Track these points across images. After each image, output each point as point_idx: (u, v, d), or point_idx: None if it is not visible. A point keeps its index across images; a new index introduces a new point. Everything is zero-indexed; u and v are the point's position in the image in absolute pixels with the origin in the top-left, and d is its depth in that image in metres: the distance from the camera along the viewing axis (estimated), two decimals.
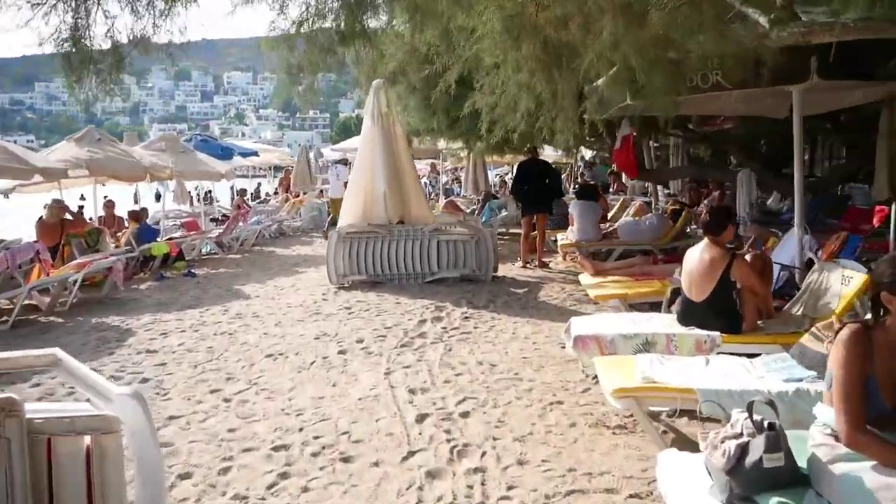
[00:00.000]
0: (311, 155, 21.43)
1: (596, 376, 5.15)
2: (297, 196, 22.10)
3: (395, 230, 9.94)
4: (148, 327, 7.64)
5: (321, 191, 23.12)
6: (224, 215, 18.11)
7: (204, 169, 13.08)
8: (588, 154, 28.83)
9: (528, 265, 11.28)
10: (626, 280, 7.42)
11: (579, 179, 27.84)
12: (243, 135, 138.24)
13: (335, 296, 9.14)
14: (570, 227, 11.59)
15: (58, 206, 11.12)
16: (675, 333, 4.90)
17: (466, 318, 7.60)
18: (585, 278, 7.86)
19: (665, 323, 5.22)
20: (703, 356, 4.48)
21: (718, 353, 4.75)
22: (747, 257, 5.37)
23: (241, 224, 15.09)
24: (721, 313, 4.91)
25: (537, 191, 11.35)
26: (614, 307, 6.91)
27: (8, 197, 12.51)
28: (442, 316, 7.70)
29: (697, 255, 5.05)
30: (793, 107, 6.00)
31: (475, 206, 17.22)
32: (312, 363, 5.99)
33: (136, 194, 21.64)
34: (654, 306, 6.82)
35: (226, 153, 17.03)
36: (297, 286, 10.10)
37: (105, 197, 17.90)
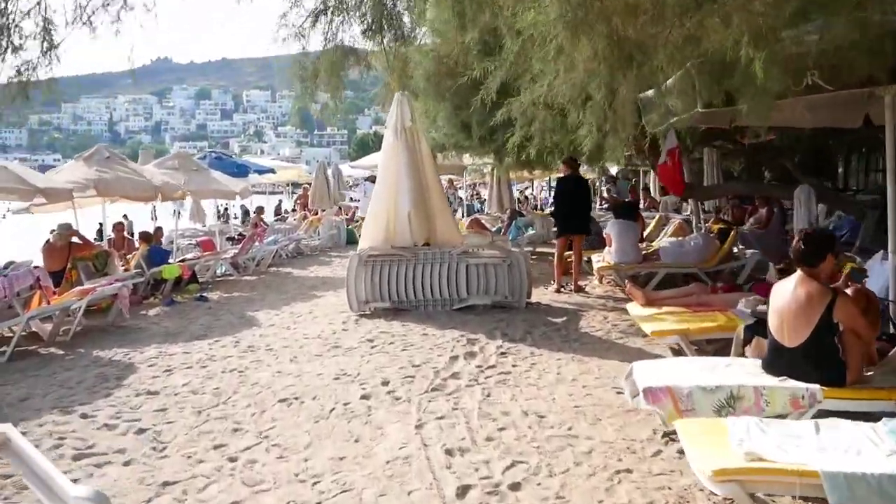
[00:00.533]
0: (330, 172, 20.78)
1: (668, 434, 4.37)
2: (316, 214, 21.49)
3: (421, 253, 9.20)
4: (152, 362, 6.93)
5: (339, 208, 22.51)
6: (241, 234, 17.48)
7: (217, 188, 12.44)
8: (614, 169, 28.05)
9: (562, 289, 10.49)
10: (682, 312, 6.60)
11: (605, 195, 27.07)
12: (262, 152, 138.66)
13: (356, 325, 8.39)
14: (606, 248, 10.80)
15: (66, 229, 10.51)
16: (764, 386, 4.09)
17: (503, 353, 6.81)
18: (635, 308, 7.06)
19: (748, 371, 4.41)
20: (809, 420, 3.68)
21: (818, 411, 3.96)
22: (848, 291, 4.55)
23: (257, 244, 14.43)
24: (820, 361, 4.10)
25: (576, 210, 10.58)
26: (662, 344, 6.11)
27: (4, 217, 11.93)
28: (475, 351, 6.92)
29: (790, 292, 4.25)
30: (887, 114, 5.20)
31: (501, 225, 16.45)
32: (332, 411, 5.23)
33: (153, 212, 21.14)
34: (720, 348, 6.05)
35: (241, 171, 16.44)
36: (314, 313, 9.37)
37: (125, 217, 17.48)
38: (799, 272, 4.28)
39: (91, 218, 11.13)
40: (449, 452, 4.30)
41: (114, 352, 7.42)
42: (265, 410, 5.31)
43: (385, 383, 5.88)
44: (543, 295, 10.02)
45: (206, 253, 12.94)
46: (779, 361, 4.26)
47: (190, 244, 17.36)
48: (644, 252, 10.75)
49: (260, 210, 21.49)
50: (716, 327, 5.95)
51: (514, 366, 6.38)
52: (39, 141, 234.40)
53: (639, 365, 4.73)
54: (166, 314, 9.69)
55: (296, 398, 5.57)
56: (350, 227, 20.79)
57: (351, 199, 22.56)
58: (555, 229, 11.47)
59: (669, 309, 6.79)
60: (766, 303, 6.47)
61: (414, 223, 9.15)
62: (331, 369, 6.40)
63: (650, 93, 5.66)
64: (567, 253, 10.87)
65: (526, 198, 33.52)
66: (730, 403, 4.05)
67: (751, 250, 10.63)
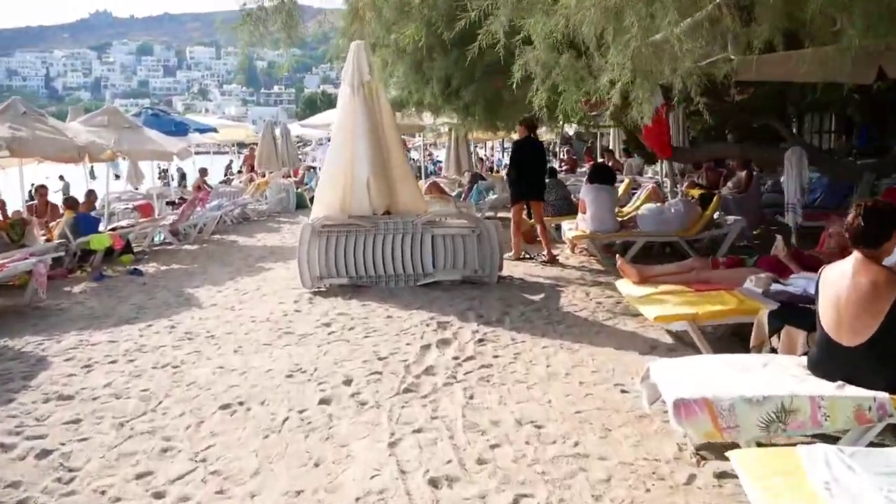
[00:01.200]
0: (278, 131, 19.51)
1: (698, 451, 3.61)
2: (263, 176, 20.26)
3: (381, 223, 8.27)
4: (69, 354, 5.89)
5: (288, 170, 21.29)
6: (182, 198, 16.21)
7: (152, 148, 11.19)
8: (571, 130, 27.32)
9: (523, 258, 9.75)
10: (683, 291, 5.83)
11: (564, 157, 26.34)
12: (207, 110, 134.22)
13: (310, 305, 7.45)
14: (580, 215, 10.03)
15: None
16: (822, 396, 3.33)
17: (481, 340, 5.97)
18: (627, 287, 6.28)
19: (792, 374, 3.65)
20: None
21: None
22: None
23: (199, 209, 13.25)
24: (889, 362, 3.36)
25: (533, 175, 9.76)
26: (657, 327, 5.35)
27: None
28: (448, 338, 6.06)
29: (848, 278, 3.47)
30: None
31: (460, 189, 15.55)
32: (285, 421, 4.32)
33: (90, 173, 19.61)
34: (726, 333, 5.34)
35: (179, 129, 15.09)
36: (262, 290, 8.38)
37: (61, 179, 16.03)
38: (856, 255, 3.51)
39: (14, 181, 9.80)
40: (434, 483, 3.45)
41: (24, 341, 6.34)
42: (203, 421, 4.37)
43: (347, 382, 4.99)
44: (515, 267, 9.20)
45: (142, 220, 11.75)
46: (833, 362, 3.51)
47: (126, 209, 16.08)
48: (621, 220, 10.02)
49: (203, 172, 20.08)
50: (728, 311, 5.19)
51: (495, 356, 5.54)
52: None
53: (657, 366, 3.93)
54: (93, 291, 8.57)
55: (241, 403, 4.64)
56: (300, 189, 19.64)
57: (313, 160, 21.15)
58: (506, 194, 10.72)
59: (667, 288, 6.02)
60: (778, 280, 5.82)
61: (373, 190, 8.19)
62: (282, 363, 5.48)
63: (657, 37, 4.78)
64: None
65: (480, 159, 32.63)
66: (780, 418, 3.29)
67: (731, 217, 9.98)
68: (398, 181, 8.52)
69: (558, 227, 11.73)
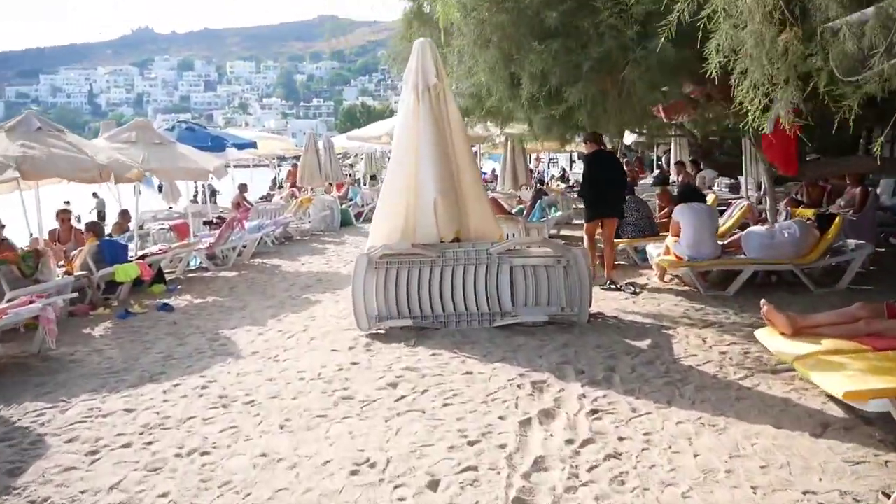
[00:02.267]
0: (321, 144, 18.41)
1: None
2: (305, 192, 19.17)
3: (450, 252, 6.98)
4: (74, 431, 4.69)
5: (331, 184, 20.19)
6: (220, 217, 15.14)
7: (185, 165, 10.07)
8: (630, 139, 25.88)
9: (607, 287, 8.46)
10: (859, 350, 4.45)
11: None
12: (247, 124, 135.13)
13: (369, 354, 6.17)
14: (669, 239, 8.64)
15: None
16: None
17: (594, 412, 4.62)
18: (776, 341, 4.91)
19: None
20: None
21: None
22: None
23: (237, 231, 12.12)
24: None
25: (610, 191, 8.88)
26: (817, 393, 3.94)
27: None
28: (551, 407, 4.72)
29: None
30: None
31: (521, 206, 14.19)
32: None
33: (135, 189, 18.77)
34: None
35: (217, 144, 14.02)
36: (311, 331, 7.14)
37: (95, 197, 15.12)
38: None
39: (37, 203, 8.73)
40: None
41: (23, 409, 5.16)
42: None
43: (433, 485, 3.68)
44: (602, 301, 7.83)
45: (176, 245, 10.63)
46: None
47: (161, 229, 15.07)
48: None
49: (242, 188, 19.07)
50: None
51: (620, 438, 4.19)
52: (17, 113, 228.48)
53: None
54: (116, 333, 7.43)
55: None
56: (344, 206, 18.50)
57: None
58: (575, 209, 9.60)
59: (835, 345, 4.62)
60: None
61: (441, 213, 6.91)
62: (343, 448, 4.19)
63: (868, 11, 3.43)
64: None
65: (529, 171, 31.26)
66: None
67: (852, 241, 8.49)
68: (470, 202, 7.23)
69: (638, 250, 10.37)
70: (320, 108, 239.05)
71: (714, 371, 5.37)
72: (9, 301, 7.18)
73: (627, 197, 10.40)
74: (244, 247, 12.18)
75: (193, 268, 11.78)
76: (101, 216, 23.39)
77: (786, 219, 9.35)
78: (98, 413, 4.99)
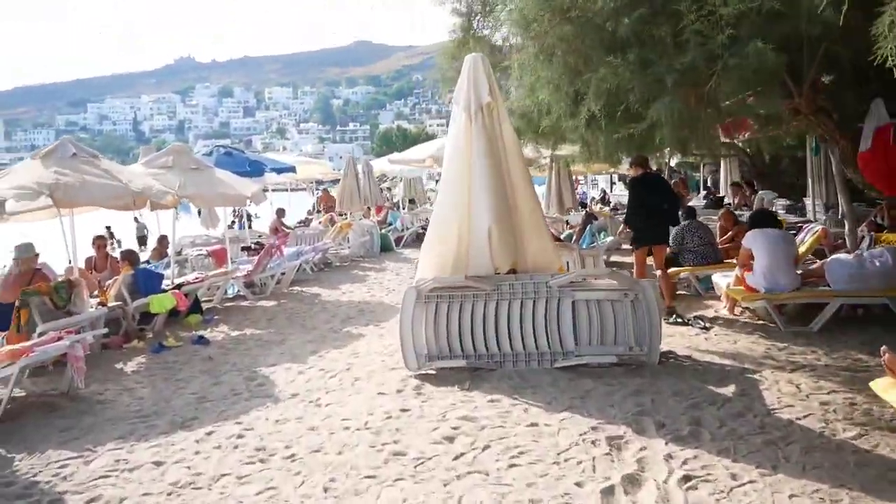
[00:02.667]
0: (360, 168, 18.02)
1: None
2: (343, 216, 18.77)
3: (506, 285, 6.39)
4: (96, 489, 4.19)
5: (369, 208, 19.77)
6: (258, 243, 14.77)
7: (223, 191, 9.66)
8: (674, 160, 25.11)
9: (675, 321, 7.80)
10: None
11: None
12: (284, 148, 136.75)
13: (420, 399, 5.59)
14: (740, 267, 7.96)
15: (26, 252, 7.86)
16: None
17: (687, 479, 3.96)
18: None
19: None
20: None
21: None
22: None
23: (276, 258, 11.68)
24: None
25: (658, 216, 8.50)
26: None
27: None
28: (635, 472, 4.07)
29: None
30: None
31: (570, 231, 13.55)
32: None
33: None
34: None
35: (255, 169, 13.66)
36: (354, 370, 6.59)
37: (136, 221, 14.93)
38: None
39: (76, 229, 8.35)
40: None
41: (45, 459, 4.69)
42: None
43: None
44: (670, 338, 7.15)
45: (213, 273, 10.21)
46: None
47: (200, 255, 14.75)
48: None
49: (280, 213, 18.77)
50: None
51: None
52: None
53: None
54: (149, 370, 6.97)
55: None
56: (383, 230, 18.04)
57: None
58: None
59: None
60: None
61: (496, 242, 6.32)
62: None
63: None
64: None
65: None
66: None
67: None
68: (527, 230, 6.64)
69: (700, 279, 9.67)
70: (356, 132, 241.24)
71: (819, 427, 4.67)
72: (40, 335, 6.81)
73: (687, 221, 9.76)
74: (283, 274, 11.75)
75: (231, 296, 11.37)
76: (143, 241, 23.30)
77: (870, 245, 8.57)
78: (125, 466, 4.48)
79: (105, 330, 7.29)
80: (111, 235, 25.91)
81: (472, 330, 6.30)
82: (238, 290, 11.29)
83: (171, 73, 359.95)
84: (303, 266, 13.06)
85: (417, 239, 19.14)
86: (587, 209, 14.35)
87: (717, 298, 8.91)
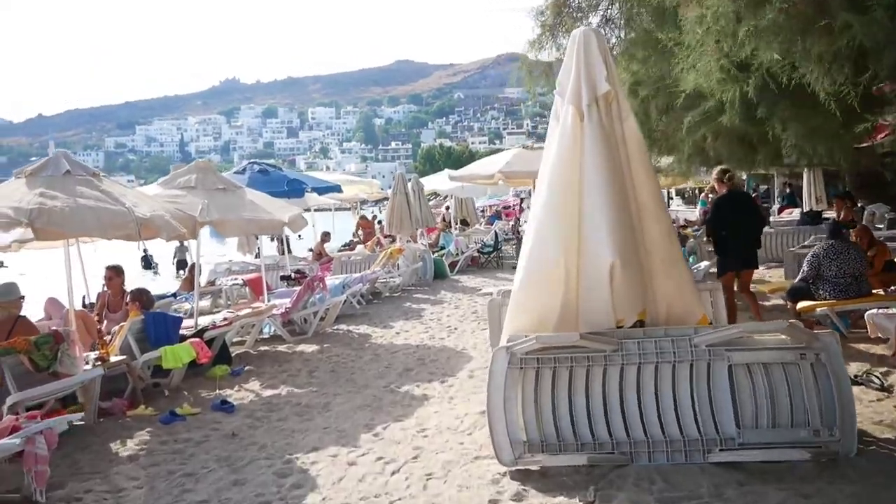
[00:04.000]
0: (410, 186, 16.34)
1: None
2: (393, 241, 17.11)
3: (634, 344, 4.59)
4: None
5: (418, 231, 18.07)
6: (299, 272, 13.17)
7: (253, 216, 8.00)
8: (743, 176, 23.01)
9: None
10: None
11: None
12: (328, 168, 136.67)
13: None
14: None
15: (8, 294, 6.34)
16: None
17: None
18: None
19: None
20: None
21: None
22: None
23: (318, 292, 10.02)
24: None
25: (747, 238, 7.93)
26: None
27: None
28: None
29: None
30: None
31: None
32: None
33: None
34: None
35: (294, 189, 12.03)
36: (424, 459, 4.84)
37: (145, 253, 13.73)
38: None
39: (71, 261, 6.77)
40: None
41: None
42: None
43: None
44: None
45: (242, 314, 8.57)
46: None
47: (235, 284, 13.24)
48: None
49: (325, 237, 17.21)
50: None
51: None
52: (114, 163, 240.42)
53: None
54: (151, 453, 5.31)
55: None
56: (436, 255, 16.32)
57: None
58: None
59: None
60: None
61: (620, 284, 4.52)
62: None
63: None
64: None
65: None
66: None
67: None
68: (659, 266, 4.84)
69: (841, 315, 7.73)
70: (398, 150, 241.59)
71: None
72: (10, 407, 5.24)
73: (829, 243, 7.85)
74: (326, 311, 10.08)
75: (267, 335, 9.77)
76: (183, 265, 21.71)
77: None
78: None
79: (79, 416, 5.62)
80: (148, 264, 24.55)
81: (589, 408, 4.50)
82: (274, 330, 9.66)
83: (217, 95, 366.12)
84: (349, 298, 11.38)
85: (472, 263, 17.39)
86: (678, 228, 12.38)
87: (869, 340, 7.01)
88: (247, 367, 7.91)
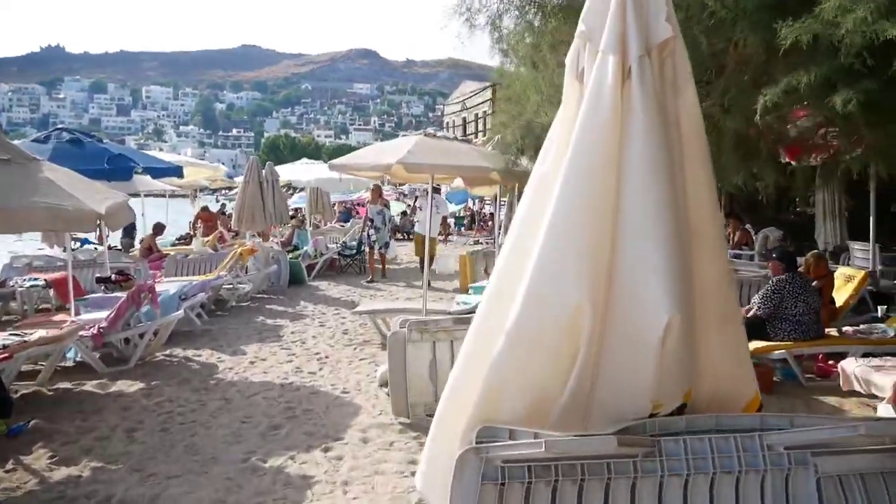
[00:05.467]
0: (263, 173, 13.88)
1: None
2: (240, 238, 14.67)
3: (677, 444, 2.85)
4: None
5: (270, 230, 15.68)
6: (121, 273, 10.43)
7: (51, 204, 5.36)
8: None
9: None
10: None
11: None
12: (161, 150, 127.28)
13: None
14: None
15: None
16: None
17: None
18: None
19: None
20: None
21: None
22: None
23: (144, 307, 7.58)
24: None
25: None
26: None
27: None
28: None
29: None
30: None
31: None
32: None
33: None
34: None
35: (119, 168, 9.18)
36: None
37: None
38: None
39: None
40: None
41: None
42: None
43: None
44: None
45: (34, 338, 6.04)
46: None
47: (34, 285, 10.38)
48: None
49: (158, 229, 14.35)
50: None
51: None
52: None
53: None
54: None
55: None
56: (291, 257, 14.04)
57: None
58: None
59: None
60: None
61: (673, 352, 2.76)
62: None
63: None
64: None
65: None
66: None
67: None
68: (715, 324, 3.11)
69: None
70: (240, 138, 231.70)
71: None
72: None
73: (793, 275, 6.63)
74: (155, 334, 7.67)
75: (71, 363, 7.25)
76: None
77: None
78: None
79: None
80: None
81: None
82: (80, 356, 7.15)
83: (37, 62, 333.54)
84: (187, 312, 8.95)
85: (331, 267, 15.25)
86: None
87: (835, 391, 5.88)
88: (32, 422, 5.44)
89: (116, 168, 8.96)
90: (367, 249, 14.22)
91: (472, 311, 8.24)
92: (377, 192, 14.45)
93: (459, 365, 3.22)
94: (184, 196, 21.88)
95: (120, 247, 15.77)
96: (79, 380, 6.71)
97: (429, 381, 5.41)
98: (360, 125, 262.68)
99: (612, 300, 2.78)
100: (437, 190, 8.74)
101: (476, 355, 3.06)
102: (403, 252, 19.55)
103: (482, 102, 52.79)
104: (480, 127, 47.28)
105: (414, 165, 6.92)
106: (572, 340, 2.79)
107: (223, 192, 31.84)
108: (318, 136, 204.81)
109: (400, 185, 32.78)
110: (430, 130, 8.17)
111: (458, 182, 9.17)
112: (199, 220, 17.10)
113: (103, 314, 7.45)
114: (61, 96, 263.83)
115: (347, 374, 6.97)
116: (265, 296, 11.98)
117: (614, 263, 2.77)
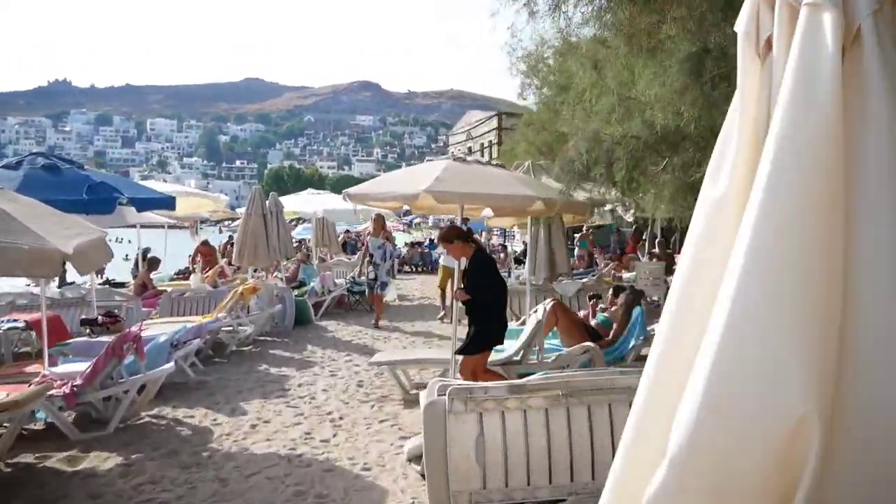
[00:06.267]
0: (267, 205, 12.85)
1: None
2: (241, 275, 13.63)
3: None
4: None
5: (277, 263, 14.57)
6: (109, 314, 9.33)
7: (9, 245, 4.33)
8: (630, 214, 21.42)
9: None
10: None
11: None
12: (165, 181, 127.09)
13: None
14: None
15: None
16: None
17: None
18: None
19: None
20: None
21: None
22: None
23: (127, 358, 6.47)
24: None
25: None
26: None
27: None
28: None
29: None
30: None
31: (606, 315, 9.01)
32: None
33: None
34: None
35: (101, 198, 7.96)
36: None
37: None
38: None
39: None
40: None
41: None
42: None
43: None
44: None
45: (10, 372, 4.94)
46: None
47: (14, 327, 9.29)
48: None
49: (153, 264, 13.29)
50: None
51: None
52: None
53: None
54: None
55: None
56: (297, 294, 12.93)
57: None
58: None
59: None
60: None
61: None
62: None
63: None
64: None
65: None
66: None
67: None
68: None
69: None
70: (244, 169, 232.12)
71: None
72: None
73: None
74: (141, 390, 6.56)
75: (42, 425, 6.15)
76: None
77: None
78: None
79: None
80: None
81: None
82: (47, 419, 6.03)
83: (44, 96, 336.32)
84: (178, 362, 7.84)
85: (338, 304, 14.13)
86: (631, 287, 9.51)
87: None
88: None
89: (96, 199, 7.83)
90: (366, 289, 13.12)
91: (510, 361, 7.19)
92: (379, 222, 13.05)
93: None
94: (185, 228, 20.83)
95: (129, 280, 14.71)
96: (45, 450, 5.59)
97: (475, 464, 4.29)
98: (362, 156, 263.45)
99: (851, 410, 1.67)
100: (465, 221, 7.56)
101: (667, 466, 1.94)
102: (414, 287, 18.44)
103: (489, 131, 52.07)
104: (487, 156, 46.40)
105: (445, 194, 5.86)
106: (783, 461, 1.68)
107: (226, 223, 30.82)
108: (321, 167, 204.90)
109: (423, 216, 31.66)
110: (459, 154, 7.14)
111: (488, 212, 8.14)
112: (199, 255, 16.01)
113: (82, 366, 6.36)
114: (67, 129, 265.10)
115: (367, 443, 5.84)
116: (269, 338, 10.87)
117: (851, 349, 1.68)
